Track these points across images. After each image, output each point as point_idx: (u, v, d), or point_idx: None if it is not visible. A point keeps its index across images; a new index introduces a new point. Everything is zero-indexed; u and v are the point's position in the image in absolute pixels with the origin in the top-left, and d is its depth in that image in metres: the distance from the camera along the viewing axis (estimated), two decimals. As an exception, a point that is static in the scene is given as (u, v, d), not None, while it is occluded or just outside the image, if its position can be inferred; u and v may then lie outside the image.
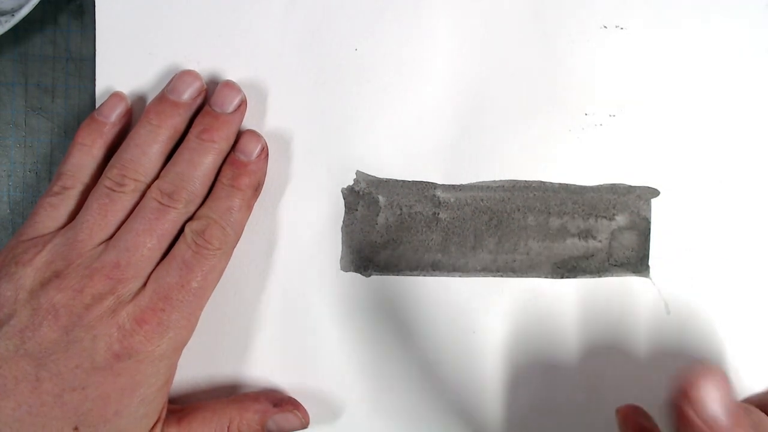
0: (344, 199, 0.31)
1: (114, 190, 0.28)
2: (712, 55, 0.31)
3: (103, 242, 0.27)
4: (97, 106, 0.31)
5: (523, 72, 0.31)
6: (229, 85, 0.30)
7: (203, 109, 0.30)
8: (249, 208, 0.30)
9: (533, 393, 0.32)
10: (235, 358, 0.31)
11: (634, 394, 0.32)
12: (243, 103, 0.30)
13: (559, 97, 0.31)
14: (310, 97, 0.31)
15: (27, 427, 0.26)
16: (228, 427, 0.29)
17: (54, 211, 0.28)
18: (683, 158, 0.32)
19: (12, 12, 0.29)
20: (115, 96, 0.30)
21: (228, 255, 0.29)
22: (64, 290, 0.26)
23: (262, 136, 0.30)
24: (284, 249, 0.31)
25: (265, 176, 0.31)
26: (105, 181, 0.28)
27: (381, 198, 0.31)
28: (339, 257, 0.31)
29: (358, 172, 0.31)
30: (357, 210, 0.31)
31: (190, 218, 0.28)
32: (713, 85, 0.32)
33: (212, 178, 0.29)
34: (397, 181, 0.31)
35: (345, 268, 0.31)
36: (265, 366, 0.31)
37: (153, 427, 0.28)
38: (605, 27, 0.31)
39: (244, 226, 0.30)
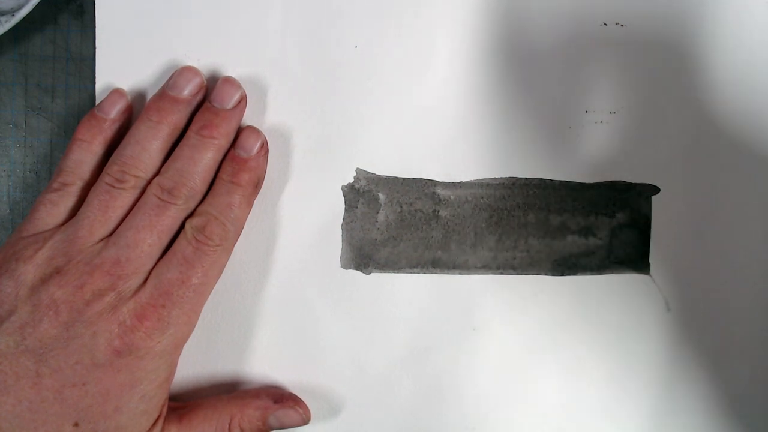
0: (344, 196, 0.31)
1: (114, 187, 0.28)
2: (713, 52, 0.31)
3: (104, 238, 0.27)
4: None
5: (524, 69, 0.31)
6: (229, 81, 0.30)
7: (203, 106, 0.30)
8: (249, 204, 0.30)
9: (534, 390, 0.32)
10: (235, 355, 0.31)
11: (634, 392, 0.32)
12: (243, 99, 0.30)
13: (560, 94, 0.31)
14: (310, 95, 0.31)
15: (27, 423, 0.26)
16: (229, 424, 0.29)
17: (54, 208, 0.28)
18: (683, 155, 0.32)
19: (12, 12, 0.29)
20: (115, 92, 0.30)
21: (228, 251, 0.29)
22: (64, 286, 0.26)
23: (261, 132, 0.30)
24: (284, 246, 0.31)
25: (265, 172, 0.31)
26: (105, 178, 0.28)
27: (381, 195, 0.31)
28: (339, 254, 0.31)
29: (358, 170, 0.31)
30: (357, 207, 0.31)
31: (191, 215, 0.28)
32: (714, 82, 0.32)
33: (212, 175, 0.29)
34: (397, 178, 0.31)
35: (345, 265, 0.31)
36: (265, 363, 0.31)
37: (154, 424, 0.28)
38: (605, 24, 0.31)
39: (245, 222, 0.30)
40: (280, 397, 0.30)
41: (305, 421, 0.30)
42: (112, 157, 0.29)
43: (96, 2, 0.31)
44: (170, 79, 0.30)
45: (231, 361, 0.31)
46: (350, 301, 0.31)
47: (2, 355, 0.26)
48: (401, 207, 0.31)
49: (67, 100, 0.32)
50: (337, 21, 0.31)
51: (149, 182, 0.28)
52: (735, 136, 0.32)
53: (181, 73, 0.30)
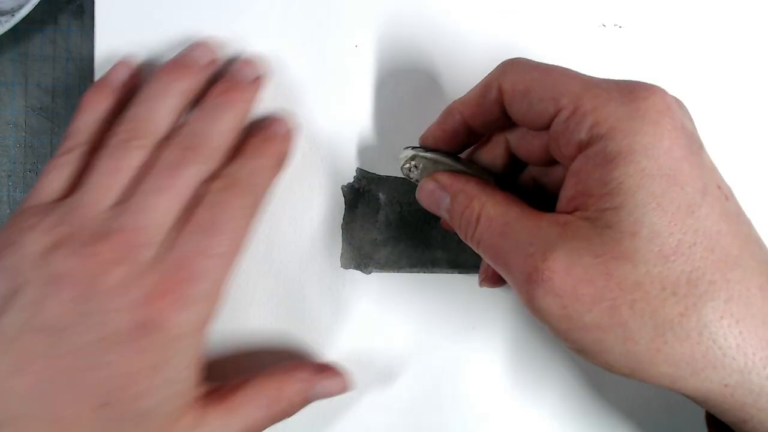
0: (344, 196, 0.31)
1: (122, 148, 0.26)
2: (711, 52, 0.32)
3: (115, 204, 0.25)
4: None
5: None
6: (248, 61, 0.29)
7: (221, 77, 0.29)
8: (272, 176, 0.28)
9: (533, 388, 0.32)
10: (235, 355, 0.31)
11: (634, 389, 0.32)
12: (262, 78, 0.29)
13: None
14: (310, 94, 0.31)
15: (48, 405, 0.23)
16: (275, 399, 0.27)
17: (59, 174, 0.26)
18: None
19: (12, 12, 0.29)
20: (121, 63, 0.29)
21: (251, 219, 0.27)
22: (74, 257, 0.24)
23: (291, 120, 0.30)
24: (284, 246, 0.31)
25: (290, 153, 0.30)
26: (112, 140, 0.26)
27: (381, 195, 0.31)
28: (339, 254, 0.31)
29: (358, 170, 0.31)
30: (357, 207, 0.31)
31: (212, 178, 0.26)
32: (712, 82, 0.32)
33: (229, 140, 0.27)
34: (397, 178, 0.31)
35: (345, 265, 0.31)
36: (265, 363, 0.31)
37: (187, 406, 0.25)
38: (604, 25, 0.31)
39: (267, 191, 0.28)
40: (320, 367, 0.29)
41: (348, 389, 0.30)
42: (118, 118, 0.27)
43: (96, 2, 0.31)
44: (183, 50, 0.29)
45: (231, 361, 0.31)
46: (350, 301, 0.31)
47: (13, 335, 0.23)
48: (401, 207, 0.31)
49: (67, 100, 0.32)
50: (337, 21, 0.31)
51: (159, 144, 0.26)
52: (735, 135, 0.32)
53: (193, 45, 0.29)
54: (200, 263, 0.25)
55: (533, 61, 0.24)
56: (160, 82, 0.27)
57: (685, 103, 0.31)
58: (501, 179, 0.26)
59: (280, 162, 0.29)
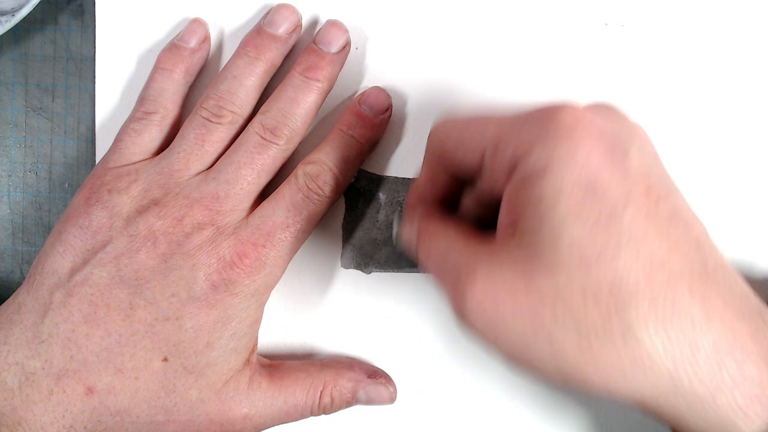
0: (345, 196, 0.31)
1: (210, 121, 0.28)
2: (713, 52, 0.31)
3: (200, 173, 0.27)
4: (96, 106, 0.31)
5: (525, 69, 0.31)
6: (336, 24, 0.29)
7: (308, 47, 0.29)
8: (362, 162, 0.30)
9: (535, 389, 0.32)
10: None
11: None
12: (348, 44, 0.30)
13: (560, 94, 0.31)
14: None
15: (114, 356, 0.25)
16: (321, 391, 0.29)
17: (138, 137, 0.28)
18: (683, 156, 0.32)
19: (12, 12, 0.29)
20: (195, 22, 0.30)
21: (332, 203, 0.29)
22: (163, 218, 0.26)
23: (389, 96, 0.30)
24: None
25: (383, 135, 0.31)
26: (201, 111, 0.28)
27: (382, 195, 0.31)
28: (339, 254, 0.31)
29: (358, 170, 0.31)
30: (358, 207, 0.31)
31: (305, 161, 0.28)
32: (713, 82, 0.31)
33: (313, 118, 0.29)
34: (397, 178, 0.31)
35: (346, 265, 0.31)
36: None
37: (244, 366, 0.28)
38: (606, 24, 0.31)
39: (352, 174, 0.30)
40: (373, 372, 0.30)
41: (392, 401, 0.30)
42: (207, 90, 0.29)
43: (96, 2, 0.31)
44: (266, 15, 0.29)
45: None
46: (350, 301, 0.31)
47: (95, 287, 0.25)
48: (401, 207, 0.31)
49: (67, 100, 0.32)
50: (337, 21, 0.31)
51: (245, 120, 0.28)
52: (735, 135, 0.32)
53: (278, 10, 0.29)
54: (279, 234, 0.27)
55: (454, 120, 0.23)
56: (247, 57, 0.28)
57: (688, 102, 0.31)
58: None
59: (373, 147, 0.30)
